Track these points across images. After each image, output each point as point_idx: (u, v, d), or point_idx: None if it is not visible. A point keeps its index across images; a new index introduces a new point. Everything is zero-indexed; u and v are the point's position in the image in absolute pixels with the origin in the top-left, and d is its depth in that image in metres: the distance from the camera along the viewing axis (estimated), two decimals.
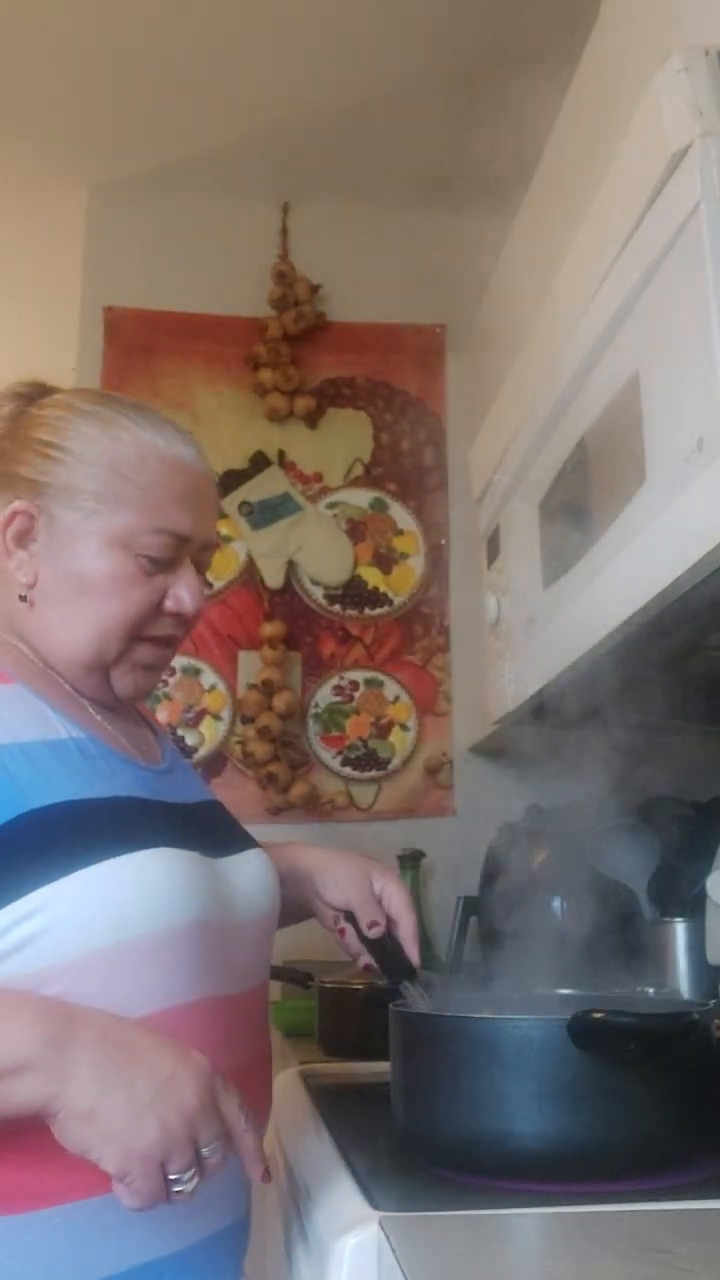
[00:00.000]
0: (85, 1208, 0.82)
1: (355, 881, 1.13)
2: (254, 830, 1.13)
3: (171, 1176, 0.74)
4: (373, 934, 1.11)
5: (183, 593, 0.99)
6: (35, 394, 1.04)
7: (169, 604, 0.99)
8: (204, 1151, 0.75)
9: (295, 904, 1.14)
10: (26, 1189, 0.82)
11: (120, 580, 0.96)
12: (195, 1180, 0.75)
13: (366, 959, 1.13)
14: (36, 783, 0.87)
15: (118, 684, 1.00)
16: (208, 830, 1.00)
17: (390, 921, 1.13)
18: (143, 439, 0.98)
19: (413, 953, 1.12)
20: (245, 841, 1.06)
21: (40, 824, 0.85)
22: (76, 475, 0.96)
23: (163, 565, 0.98)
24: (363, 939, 1.12)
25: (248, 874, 1.01)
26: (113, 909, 0.85)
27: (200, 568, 1.02)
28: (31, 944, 0.83)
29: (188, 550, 0.99)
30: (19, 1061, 0.74)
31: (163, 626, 1.00)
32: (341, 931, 1.14)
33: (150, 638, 1.00)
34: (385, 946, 1.12)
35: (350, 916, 1.12)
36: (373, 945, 1.12)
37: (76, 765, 0.91)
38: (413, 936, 1.13)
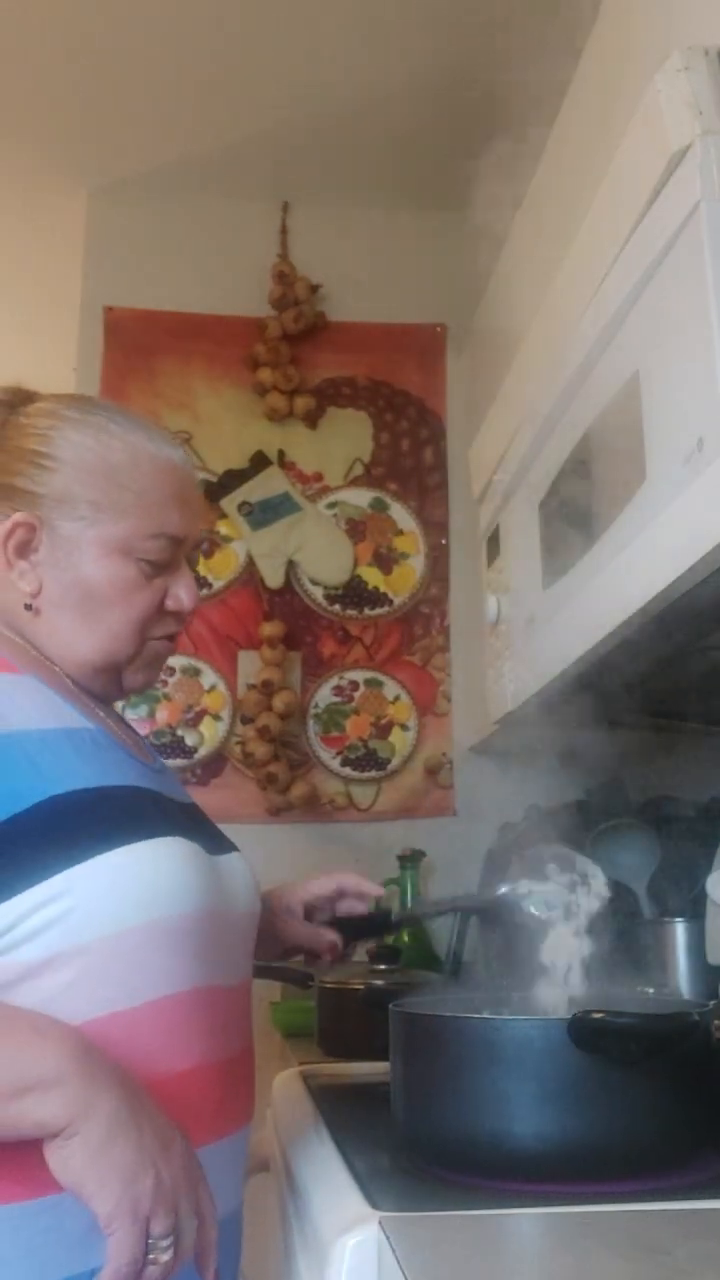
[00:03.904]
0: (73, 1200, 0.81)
1: (290, 933, 1.20)
2: (254, 830, 1.14)
3: (150, 1238, 0.73)
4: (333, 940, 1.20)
5: (181, 592, 1.03)
6: (16, 400, 1.05)
7: (169, 603, 1.02)
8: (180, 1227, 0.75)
9: None
10: (15, 1178, 0.81)
11: (124, 586, 0.99)
12: (170, 1252, 0.74)
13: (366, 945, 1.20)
14: (57, 769, 0.88)
15: (130, 681, 1.04)
16: (202, 828, 1.02)
17: (332, 899, 1.22)
18: (133, 443, 1.01)
19: (370, 891, 1.22)
20: (229, 844, 1.08)
21: (62, 809, 0.86)
22: (73, 484, 0.98)
23: (161, 568, 1.01)
24: (341, 926, 1.21)
25: (239, 872, 1.03)
26: (134, 893, 0.86)
27: (190, 564, 1.06)
28: (53, 927, 0.83)
29: (182, 551, 1.04)
30: (53, 1077, 0.74)
31: (166, 625, 1.04)
32: (332, 949, 1.21)
33: (164, 636, 1.04)
34: (353, 922, 1.20)
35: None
36: (346, 928, 1.20)
37: (91, 754, 0.92)
38: (355, 887, 1.22)
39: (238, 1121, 0.95)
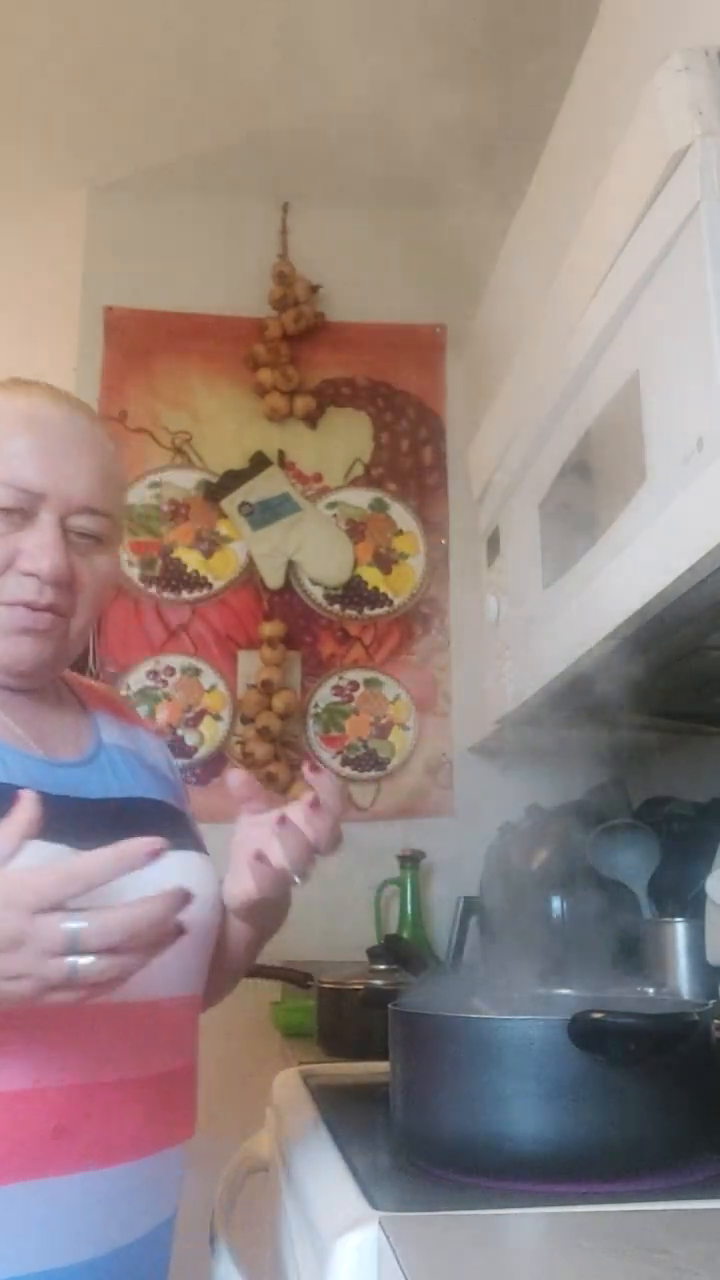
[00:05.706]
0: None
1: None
2: None
3: (56, 979, 0.70)
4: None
5: (34, 550, 0.93)
6: None
7: (24, 564, 0.93)
8: (73, 929, 0.70)
9: None
10: None
11: None
12: (90, 960, 0.70)
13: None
14: None
15: None
16: (122, 829, 0.85)
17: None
18: (3, 402, 0.96)
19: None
20: (180, 844, 0.96)
21: None
22: None
23: (12, 522, 0.93)
24: None
25: (163, 880, 0.86)
26: None
27: (81, 533, 0.96)
28: None
29: (45, 507, 0.94)
30: None
31: (24, 589, 0.93)
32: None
33: (14, 602, 0.94)
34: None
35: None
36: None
37: None
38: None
39: (156, 1144, 0.92)
